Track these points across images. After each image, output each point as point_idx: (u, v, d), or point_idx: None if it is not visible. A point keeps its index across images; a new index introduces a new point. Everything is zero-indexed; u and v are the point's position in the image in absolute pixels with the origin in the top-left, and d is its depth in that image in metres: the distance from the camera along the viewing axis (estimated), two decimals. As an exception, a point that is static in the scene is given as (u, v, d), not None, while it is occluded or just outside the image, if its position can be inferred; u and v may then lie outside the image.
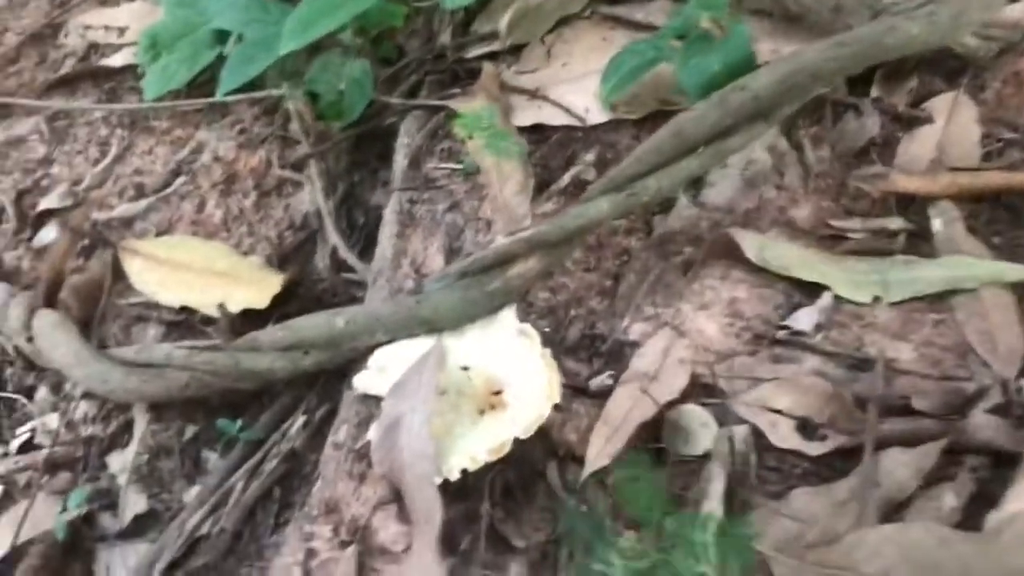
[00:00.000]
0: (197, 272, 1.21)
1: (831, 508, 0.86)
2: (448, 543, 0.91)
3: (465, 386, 0.97)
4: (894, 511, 0.86)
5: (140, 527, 1.06)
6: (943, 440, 0.86)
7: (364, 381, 0.98)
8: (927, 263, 0.99)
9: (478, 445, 0.89)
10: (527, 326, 0.96)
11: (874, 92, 1.11)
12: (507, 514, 0.93)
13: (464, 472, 0.87)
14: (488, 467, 0.91)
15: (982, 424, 0.87)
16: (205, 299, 1.17)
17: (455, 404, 0.96)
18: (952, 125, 1.07)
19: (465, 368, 0.98)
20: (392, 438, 0.91)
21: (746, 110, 0.93)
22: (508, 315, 0.98)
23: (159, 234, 1.30)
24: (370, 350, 1.00)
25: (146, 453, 1.10)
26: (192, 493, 1.06)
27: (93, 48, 1.62)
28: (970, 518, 0.82)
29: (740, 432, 0.92)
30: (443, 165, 1.15)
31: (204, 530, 1.00)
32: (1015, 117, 1.09)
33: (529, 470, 0.95)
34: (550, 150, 1.13)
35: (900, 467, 0.86)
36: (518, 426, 0.88)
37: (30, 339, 1.12)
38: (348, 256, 1.15)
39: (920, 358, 0.95)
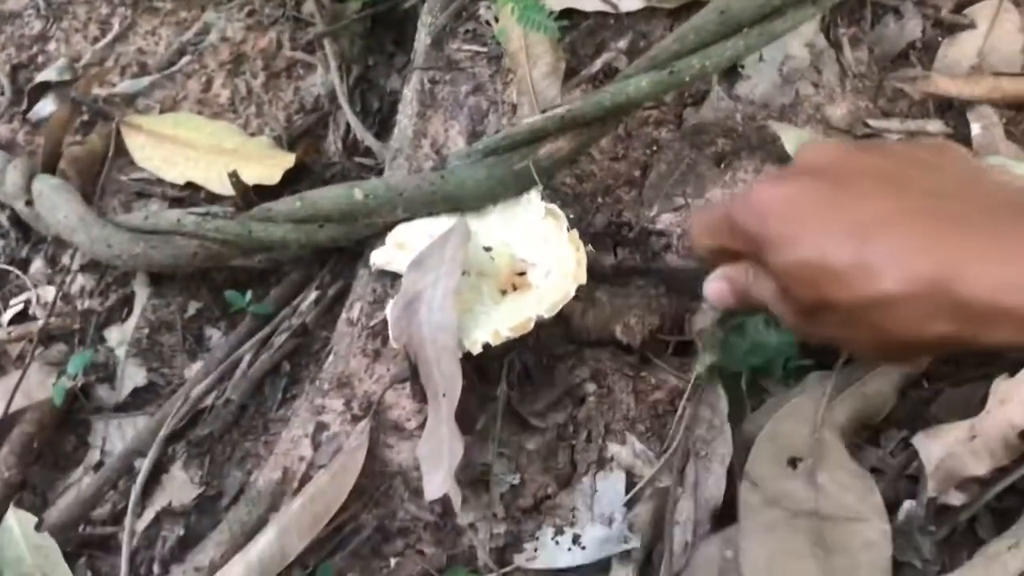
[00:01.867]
0: (203, 149, 1.17)
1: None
2: (464, 422, 0.89)
3: (487, 267, 0.94)
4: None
5: (138, 401, 1.03)
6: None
7: (382, 257, 0.95)
8: (965, 166, 0.97)
9: (501, 322, 0.86)
10: (554, 206, 0.93)
11: (917, -5, 1.08)
12: (525, 396, 0.90)
13: (485, 348, 0.85)
14: (507, 349, 0.89)
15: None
16: (212, 175, 1.13)
17: (476, 285, 0.93)
18: (995, 32, 1.04)
19: (487, 248, 0.94)
20: (412, 313, 0.88)
21: (795, -9, 0.89)
22: (534, 196, 0.95)
23: (163, 112, 1.25)
24: (387, 227, 0.97)
25: (146, 327, 1.06)
26: (194, 369, 1.03)
27: (93, -75, 1.55)
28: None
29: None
30: (467, 47, 1.10)
31: (208, 402, 0.97)
32: (1059, 27, 1.06)
33: (548, 354, 0.92)
34: (580, 36, 1.09)
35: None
36: (542, 305, 0.86)
37: (29, 203, 1.07)
38: (365, 136, 1.11)
39: (954, 259, 0.93)
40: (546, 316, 0.85)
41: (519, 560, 0.83)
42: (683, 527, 0.81)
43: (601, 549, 0.83)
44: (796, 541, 0.75)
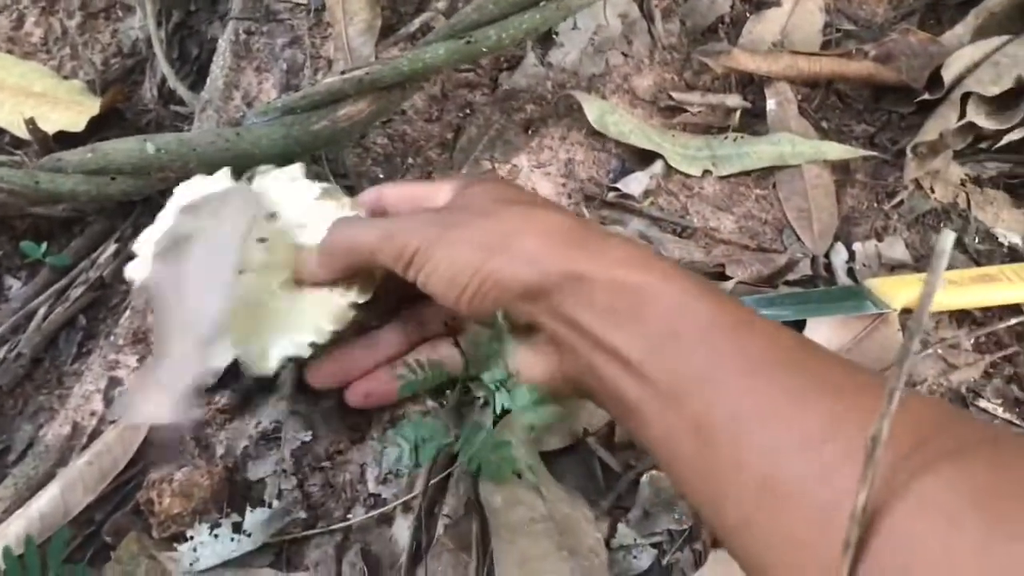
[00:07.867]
0: (10, 91, 1.12)
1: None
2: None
3: (268, 260, 0.80)
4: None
5: (-70, 352, 1.00)
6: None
7: (167, 219, 0.90)
8: (757, 140, 1.01)
9: (317, 317, 0.78)
10: (328, 184, 0.85)
11: (728, -30, 1.11)
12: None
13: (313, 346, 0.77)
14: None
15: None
16: (16, 119, 1.08)
17: (263, 284, 0.80)
18: (798, 10, 1.09)
19: (262, 240, 0.80)
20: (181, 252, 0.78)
21: (596, -36, 0.91)
22: (297, 171, 0.85)
23: (-31, 49, 1.19)
24: (182, 181, 0.94)
25: (-60, 277, 1.02)
26: (-9, 320, 1.00)
27: None
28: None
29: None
30: (287, -1, 1.09)
31: (0, 355, 0.95)
32: (856, 9, 1.12)
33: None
34: (400, -6, 1.09)
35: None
36: (351, 291, 0.78)
37: None
38: (177, 86, 1.08)
39: (740, 229, 0.98)
40: (360, 301, 0.79)
41: (184, 563, 0.77)
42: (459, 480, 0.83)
43: (268, 529, 0.79)
44: (543, 544, 0.77)
